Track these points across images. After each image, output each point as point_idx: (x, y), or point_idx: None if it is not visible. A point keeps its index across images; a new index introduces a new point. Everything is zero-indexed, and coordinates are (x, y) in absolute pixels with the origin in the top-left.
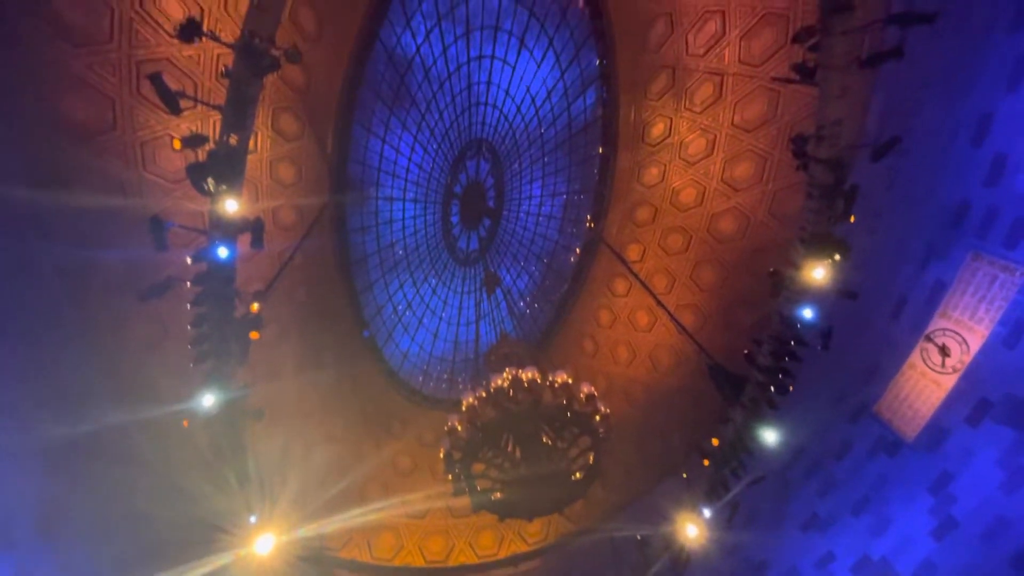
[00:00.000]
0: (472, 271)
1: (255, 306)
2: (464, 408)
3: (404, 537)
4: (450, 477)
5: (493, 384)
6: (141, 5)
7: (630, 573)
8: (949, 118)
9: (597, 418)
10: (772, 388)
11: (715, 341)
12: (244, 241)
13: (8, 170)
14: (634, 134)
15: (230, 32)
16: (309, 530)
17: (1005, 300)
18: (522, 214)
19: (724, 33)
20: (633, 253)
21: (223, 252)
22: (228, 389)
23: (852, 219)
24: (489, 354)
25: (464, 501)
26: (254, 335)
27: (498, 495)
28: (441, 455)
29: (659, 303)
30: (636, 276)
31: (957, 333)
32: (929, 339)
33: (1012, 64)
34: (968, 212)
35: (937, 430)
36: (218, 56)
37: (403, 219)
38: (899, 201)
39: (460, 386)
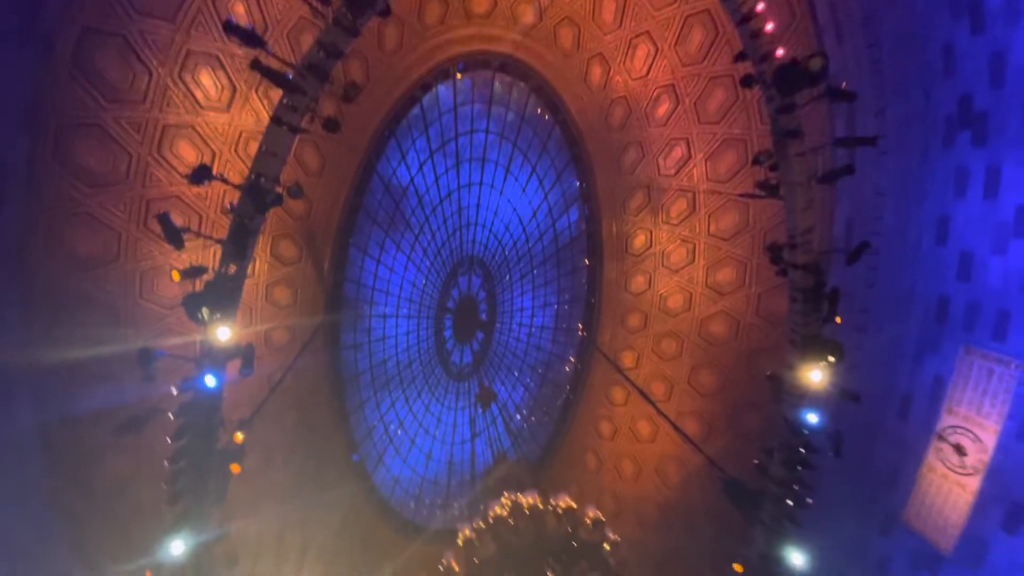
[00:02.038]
0: (466, 385)
1: (239, 436)
2: (460, 542)
3: None
4: None
5: (491, 512)
6: (159, 150)
7: None
8: (910, 221)
9: (607, 547)
10: (790, 501)
11: (723, 449)
12: (233, 366)
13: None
14: (617, 246)
15: (238, 172)
16: None
17: (1008, 393)
18: (515, 326)
19: (690, 156)
20: (628, 360)
21: (210, 381)
22: (202, 531)
23: (839, 320)
24: (486, 477)
25: None
26: (235, 468)
27: None
28: None
29: (659, 411)
30: (632, 383)
31: (968, 430)
32: (941, 438)
33: (954, 174)
34: (949, 306)
35: (974, 541)
36: (224, 192)
37: (396, 335)
38: (881, 299)
39: (456, 512)
